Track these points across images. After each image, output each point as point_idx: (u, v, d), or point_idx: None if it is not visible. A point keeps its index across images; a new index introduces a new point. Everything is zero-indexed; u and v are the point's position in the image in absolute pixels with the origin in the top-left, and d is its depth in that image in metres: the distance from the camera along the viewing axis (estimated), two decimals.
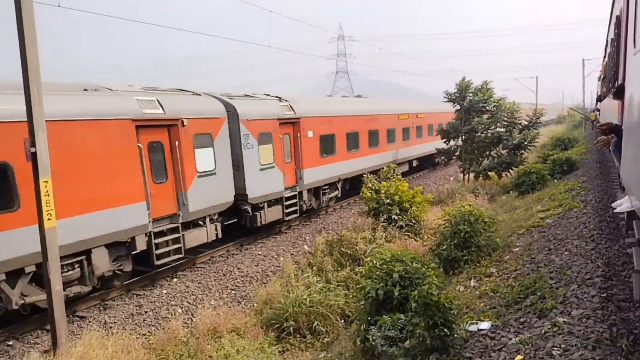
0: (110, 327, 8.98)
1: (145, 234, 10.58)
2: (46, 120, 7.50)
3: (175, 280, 11.40)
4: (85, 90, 9.89)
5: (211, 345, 8.02)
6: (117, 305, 10.02)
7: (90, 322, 9.21)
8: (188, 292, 10.68)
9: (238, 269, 12.11)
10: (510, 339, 4.92)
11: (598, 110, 19.86)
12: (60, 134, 8.79)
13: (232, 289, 11.11)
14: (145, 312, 9.72)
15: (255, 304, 10.11)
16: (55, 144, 8.33)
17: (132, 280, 11.08)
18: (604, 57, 14.04)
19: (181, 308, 10.04)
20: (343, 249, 12.15)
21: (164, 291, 10.63)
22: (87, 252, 9.52)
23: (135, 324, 9.29)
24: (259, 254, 13.18)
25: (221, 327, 8.66)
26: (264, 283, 11.26)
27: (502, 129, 21.65)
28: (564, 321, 4.78)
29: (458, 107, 22.20)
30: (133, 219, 10.18)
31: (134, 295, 10.55)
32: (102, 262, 9.80)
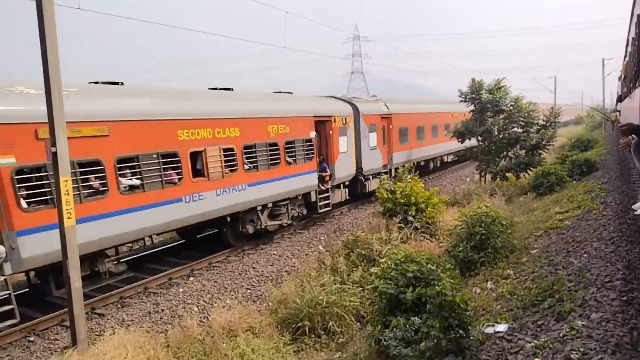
0: (128, 325, 9.11)
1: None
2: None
3: (191, 279, 11.52)
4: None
5: (226, 344, 8.10)
6: (135, 303, 10.16)
7: (108, 319, 9.36)
8: (204, 290, 10.78)
9: (253, 268, 12.18)
10: (528, 341, 4.87)
11: (618, 111, 19.48)
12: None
13: (248, 288, 11.18)
14: (162, 310, 9.84)
15: (270, 304, 10.16)
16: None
17: (150, 278, 11.23)
18: (625, 56, 13.79)
19: (197, 307, 10.14)
20: (358, 250, 12.14)
21: (181, 290, 10.74)
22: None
23: (152, 321, 9.41)
24: (274, 254, 13.24)
25: (236, 326, 8.73)
26: (279, 283, 11.31)
27: (520, 129, 21.37)
28: (582, 324, 4.70)
29: (472, 107, 21.96)
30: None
31: (151, 294, 10.68)
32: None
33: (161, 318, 9.60)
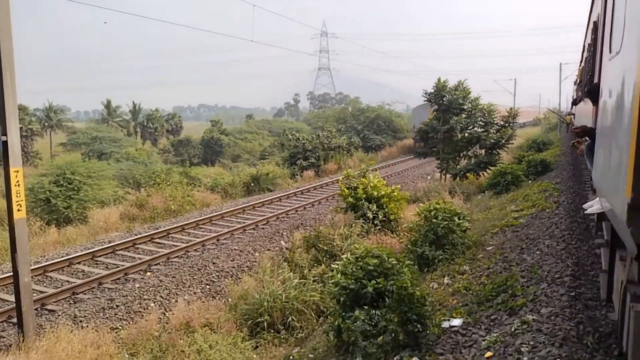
0: (81, 321, 8.79)
1: None
2: None
3: (148, 274, 11.23)
4: None
5: (184, 340, 7.93)
6: (88, 299, 9.82)
7: (59, 315, 9.00)
8: (161, 286, 10.53)
9: (213, 263, 11.99)
10: (481, 336, 4.99)
11: (573, 114, 20.29)
12: None
13: (207, 284, 11.01)
14: (117, 306, 9.55)
15: (229, 299, 10.04)
16: None
17: (105, 273, 10.88)
18: (581, 61, 14.33)
19: (154, 302, 9.90)
20: (320, 245, 12.15)
21: (137, 285, 10.46)
22: None
23: (107, 318, 9.12)
24: (235, 249, 13.08)
25: (194, 322, 8.58)
26: (239, 278, 11.19)
27: (480, 129, 21.95)
28: (533, 319, 4.85)
29: (436, 106, 22.39)
30: None
31: (106, 289, 10.35)
32: None
33: (116, 314, 9.32)
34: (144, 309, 9.52)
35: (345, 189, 15.02)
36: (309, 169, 29.82)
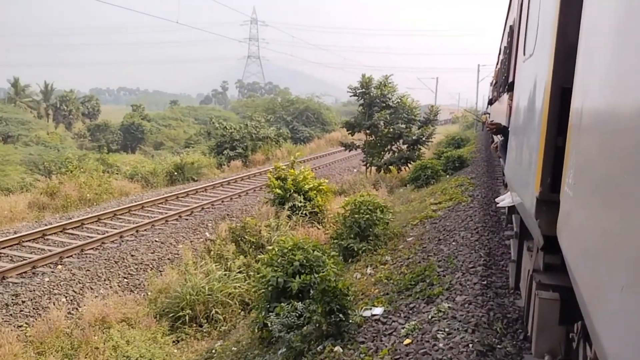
0: None
1: None
2: None
3: (59, 267, 10.49)
4: None
5: (98, 337, 7.52)
6: None
7: None
8: (74, 280, 9.88)
9: (132, 256, 11.44)
10: (400, 324, 5.19)
11: (488, 113, 21.63)
12: None
13: (125, 277, 10.49)
14: (23, 302, 8.84)
15: (149, 293, 9.64)
16: None
17: (9, 267, 10.01)
18: (497, 63, 15.25)
19: (65, 297, 9.28)
20: (246, 237, 12.01)
21: (46, 279, 9.73)
22: None
23: (10, 314, 8.41)
24: (156, 241, 12.57)
25: (110, 317, 8.16)
26: (160, 271, 10.78)
27: (403, 125, 22.75)
28: (448, 307, 5.13)
29: (362, 101, 22.87)
30: None
31: (10, 284, 9.52)
32: None
33: (21, 310, 8.62)
34: (54, 304, 8.88)
35: (274, 179, 14.95)
36: (236, 159, 29.28)
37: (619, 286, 1.25)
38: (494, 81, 15.88)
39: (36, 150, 28.36)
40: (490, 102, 19.45)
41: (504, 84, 8.73)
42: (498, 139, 7.47)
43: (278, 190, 14.68)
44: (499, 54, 13.98)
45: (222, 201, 17.62)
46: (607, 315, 1.38)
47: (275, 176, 15.16)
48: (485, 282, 5.64)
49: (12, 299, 8.86)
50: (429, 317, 5.08)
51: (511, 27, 7.52)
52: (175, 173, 23.70)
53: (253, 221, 12.72)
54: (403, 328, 5.05)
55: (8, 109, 48.91)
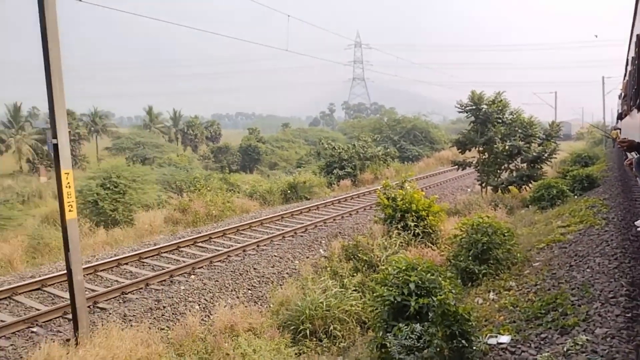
0: (130, 320, 9.14)
1: None
2: None
3: (192, 277, 11.56)
4: None
5: (228, 344, 8.14)
6: (137, 299, 10.20)
7: (110, 313, 9.39)
8: (205, 289, 10.82)
9: (254, 269, 12.22)
10: (532, 354, 4.94)
11: (619, 128, 19.64)
12: None
13: (249, 289, 11.23)
14: (164, 307, 9.87)
15: (271, 305, 10.21)
16: None
17: (151, 275, 11.28)
18: (625, 75, 13.91)
19: (198, 305, 10.18)
20: (359, 255, 12.20)
21: (182, 287, 10.78)
22: None
23: (154, 318, 9.45)
24: (275, 256, 13.28)
25: (238, 326, 8.78)
26: (280, 285, 11.36)
27: (521, 142, 21.51)
28: (587, 339, 4.77)
29: (473, 118, 22.10)
30: None
31: (153, 290, 10.72)
32: None
33: (162, 315, 9.64)
34: (189, 311, 9.80)
35: (384, 198, 15.02)
36: (345, 178, 29.90)
37: None
38: (623, 94, 14.45)
39: (169, 170, 31.65)
40: (620, 117, 17.65)
41: (634, 97, 7.96)
42: (633, 155, 6.82)
43: (389, 210, 14.71)
44: (626, 64, 12.74)
45: (334, 219, 18.07)
46: None
47: (384, 195, 15.22)
48: (630, 315, 5.14)
49: (155, 304, 9.95)
50: (564, 349, 4.77)
51: (638, 37, 6.89)
52: (289, 191, 24.87)
53: (365, 240, 12.89)
54: (535, 359, 4.80)
55: (145, 134, 55.37)
